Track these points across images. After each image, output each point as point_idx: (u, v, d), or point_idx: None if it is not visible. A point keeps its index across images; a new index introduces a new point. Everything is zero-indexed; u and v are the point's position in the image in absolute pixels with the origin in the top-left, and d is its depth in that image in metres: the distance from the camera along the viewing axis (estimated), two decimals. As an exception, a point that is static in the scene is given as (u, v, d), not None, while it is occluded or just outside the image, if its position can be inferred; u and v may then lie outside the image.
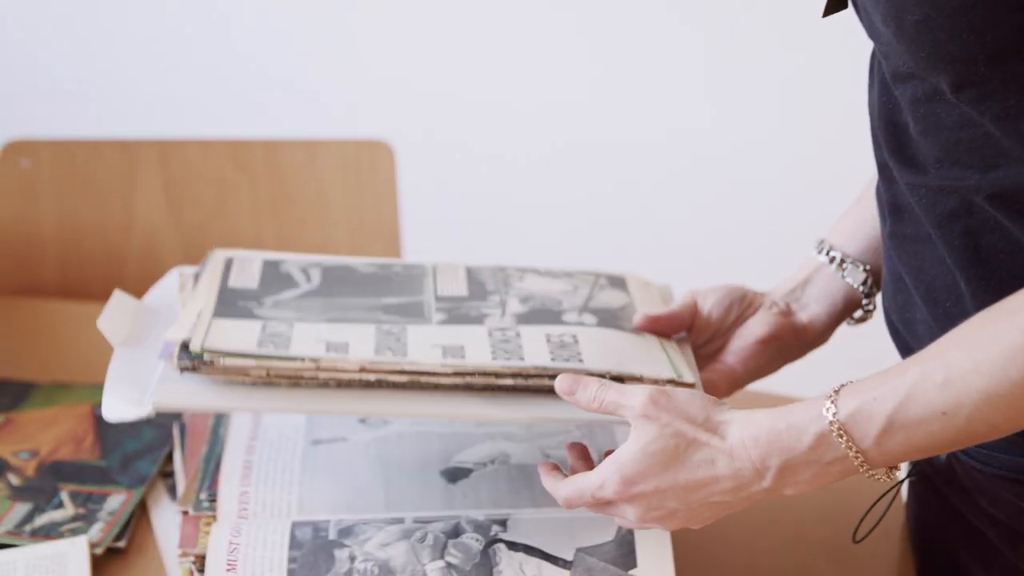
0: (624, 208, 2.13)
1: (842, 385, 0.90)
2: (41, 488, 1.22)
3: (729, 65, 2.03)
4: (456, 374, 0.97)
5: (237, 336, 1.00)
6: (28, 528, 1.17)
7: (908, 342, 1.03)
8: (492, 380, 0.97)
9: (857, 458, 0.88)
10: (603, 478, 0.94)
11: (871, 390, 0.88)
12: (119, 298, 1.16)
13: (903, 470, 0.93)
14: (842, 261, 1.14)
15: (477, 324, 1.05)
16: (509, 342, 1.02)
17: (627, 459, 0.93)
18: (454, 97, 2.11)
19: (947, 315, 0.96)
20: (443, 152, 2.11)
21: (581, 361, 1.01)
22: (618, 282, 1.17)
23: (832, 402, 0.88)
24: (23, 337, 1.53)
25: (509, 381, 0.98)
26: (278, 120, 2.09)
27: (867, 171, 1.07)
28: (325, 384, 0.98)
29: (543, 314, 1.08)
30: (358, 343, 1.00)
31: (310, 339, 1.01)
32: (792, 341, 1.14)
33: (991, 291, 0.90)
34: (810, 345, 1.15)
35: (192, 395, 0.97)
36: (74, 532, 1.15)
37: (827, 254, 1.15)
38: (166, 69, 2.17)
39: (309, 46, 2.14)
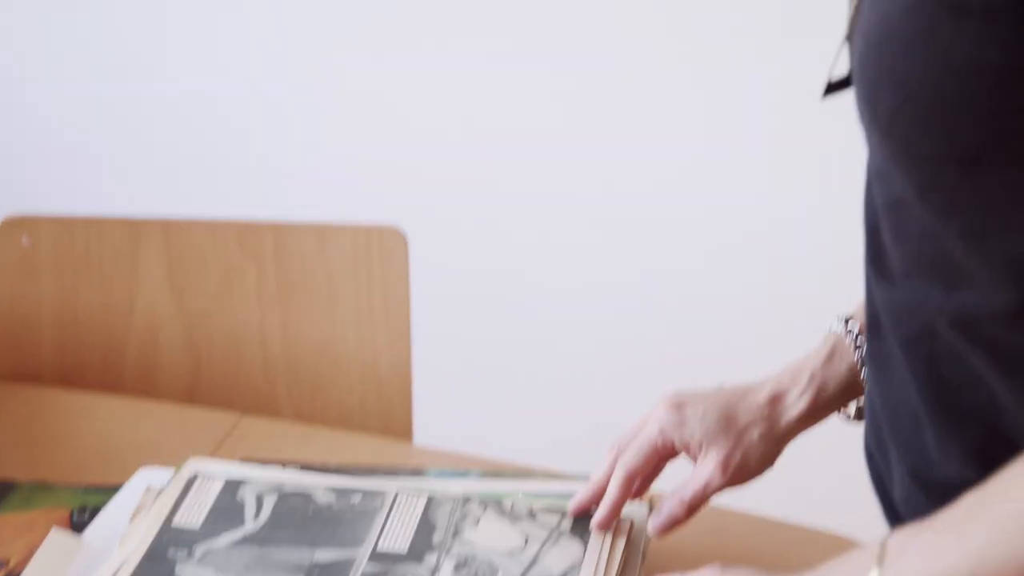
0: (650, 289, 2.04)
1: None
2: (7, 608, 1.15)
3: (790, 137, 1.94)
4: None
5: None
6: (-12, 657, 1.10)
7: (880, 471, 0.97)
8: None
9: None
10: None
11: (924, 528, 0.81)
12: (55, 539, 1.15)
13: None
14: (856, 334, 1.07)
15: None
16: None
17: None
18: (469, 179, 2.03)
19: (907, 446, 0.90)
20: (456, 233, 2.03)
21: None
22: (580, 528, 1.12)
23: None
24: (12, 429, 1.45)
25: None
26: (287, 196, 2.01)
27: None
28: None
29: None
30: None
31: None
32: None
33: (953, 429, 0.85)
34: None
35: None
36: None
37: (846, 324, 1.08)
38: (171, 144, 2.10)
39: (322, 127, 2.06)
